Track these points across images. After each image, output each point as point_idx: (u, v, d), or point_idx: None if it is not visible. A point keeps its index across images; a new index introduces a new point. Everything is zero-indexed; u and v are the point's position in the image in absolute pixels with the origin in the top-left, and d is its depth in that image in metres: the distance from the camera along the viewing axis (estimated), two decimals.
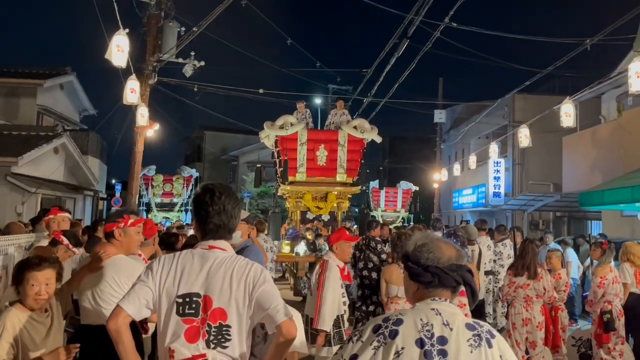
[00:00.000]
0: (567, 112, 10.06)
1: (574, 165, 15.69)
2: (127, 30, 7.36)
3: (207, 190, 2.09)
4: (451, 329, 1.57)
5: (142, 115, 11.20)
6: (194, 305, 1.95)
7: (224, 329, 1.95)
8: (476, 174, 22.72)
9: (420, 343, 1.55)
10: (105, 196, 21.71)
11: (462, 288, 1.81)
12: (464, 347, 1.55)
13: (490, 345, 1.57)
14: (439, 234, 7.90)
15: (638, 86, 7.96)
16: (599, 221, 15.61)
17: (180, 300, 1.95)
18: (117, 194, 21.85)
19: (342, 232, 4.45)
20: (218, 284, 1.97)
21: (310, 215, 12.13)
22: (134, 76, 9.56)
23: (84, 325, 3.09)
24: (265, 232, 9.64)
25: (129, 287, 2.91)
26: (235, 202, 2.11)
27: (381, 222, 13.69)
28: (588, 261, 8.23)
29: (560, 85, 20.93)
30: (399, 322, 1.59)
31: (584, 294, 9.18)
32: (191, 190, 21.06)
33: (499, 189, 21.68)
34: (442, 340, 1.56)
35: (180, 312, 1.94)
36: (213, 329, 1.94)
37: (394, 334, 1.57)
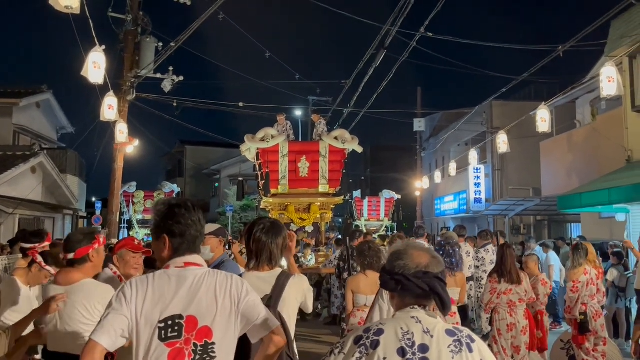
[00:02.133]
0: (543, 118, 10.26)
1: (552, 169, 15.94)
2: (103, 47, 7.31)
3: (178, 204, 2.06)
4: (432, 336, 1.59)
5: (121, 131, 11.11)
6: (176, 328, 1.90)
7: (210, 347, 1.93)
8: (457, 180, 22.94)
9: (402, 352, 1.56)
10: (85, 215, 21.39)
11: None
12: (445, 354, 1.56)
13: (471, 350, 1.59)
14: (421, 241, 7.95)
15: (610, 90, 8.16)
16: (579, 224, 15.86)
17: (162, 325, 1.90)
18: (98, 212, 21.53)
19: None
20: (202, 302, 1.94)
21: (293, 227, 12.09)
22: (111, 92, 9.49)
23: (51, 352, 2.97)
24: None
25: (101, 312, 2.87)
26: (200, 214, 2.11)
27: (365, 231, 13.72)
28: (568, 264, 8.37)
29: (536, 92, 21.35)
30: (379, 332, 1.60)
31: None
32: None
33: (479, 195, 21.91)
34: (424, 348, 1.57)
35: (163, 336, 1.89)
36: (199, 349, 1.91)
37: (375, 344, 1.58)
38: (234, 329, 1.98)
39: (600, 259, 9.10)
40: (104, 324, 1.86)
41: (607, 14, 8.26)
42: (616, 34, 10.73)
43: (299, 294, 2.70)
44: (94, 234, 3.15)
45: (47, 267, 3.98)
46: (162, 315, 1.90)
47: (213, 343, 1.93)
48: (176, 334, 1.89)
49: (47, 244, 4.64)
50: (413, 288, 1.65)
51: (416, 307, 1.66)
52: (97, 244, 3.08)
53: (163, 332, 1.89)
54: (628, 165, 10.75)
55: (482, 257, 8.20)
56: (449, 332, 1.61)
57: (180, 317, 1.91)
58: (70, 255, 3.01)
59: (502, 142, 12.46)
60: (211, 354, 1.93)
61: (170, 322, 1.90)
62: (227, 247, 6.41)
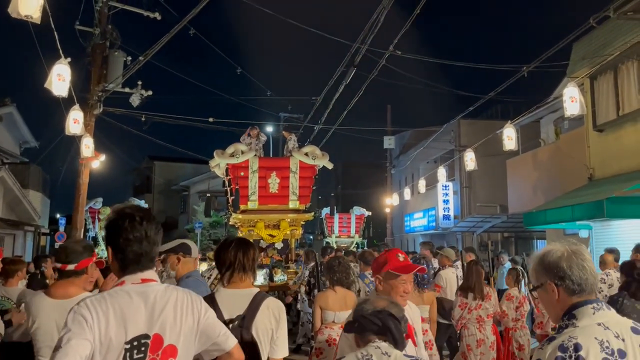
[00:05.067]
0: (509, 136, 10.50)
1: (518, 186, 16.26)
2: (68, 59, 7.16)
3: (126, 215, 1.91)
4: (389, 356, 1.75)
5: (87, 146, 10.86)
6: (142, 349, 1.79)
7: None
8: (426, 197, 23.20)
9: None
10: (48, 231, 20.79)
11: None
12: None
13: None
14: None
15: (573, 110, 8.42)
16: (544, 240, 16.17)
17: (128, 346, 1.77)
18: (61, 229, 20.96)
19: (390, 255, 2.71)
20: (167, 319, 1.85)
21: (263, 244, 11.97)
22: (77, 106, 9.28)
23: None
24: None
25: None
26: (157, 228, 1.96)
27: (335, 247, 13.67)
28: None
29: (502, 111, 21.88)
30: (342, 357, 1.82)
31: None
32: None
33: (448, 211, 22.19)
34: None
35: (128, 359, 1.77)
36: None
37: None
38: (193, 348, 1.92)
39: None
40: (67, 350, 1.67)
41: (569, 36, 8.55)
42: (577, 55, 11.11)
43: (271, 319, 2.57)
44: (92, 247, 3.13)
45: None
46: (128, 335, 1.77)
47: None
48: (142, 355, 1.78)
49: None
50: (368, 324, 1.83)
51: (377, 341, 1.81)
52: (94, 258, 3.07)
53: (129, 354, 1.77)
54: (590, 182, 11.05)
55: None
56: (407, 356, 1.80)
57: (146, 336, 1.80)
58: (71, 267, 2.93)
59: (470, 159, 12.69)
60: None
61: (136, 343, 1.78)
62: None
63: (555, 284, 1.72)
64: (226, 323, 2.50)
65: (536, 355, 1.66)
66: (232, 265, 2.65)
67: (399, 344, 1.74)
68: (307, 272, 9.18)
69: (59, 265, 3.01)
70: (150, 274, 1.92)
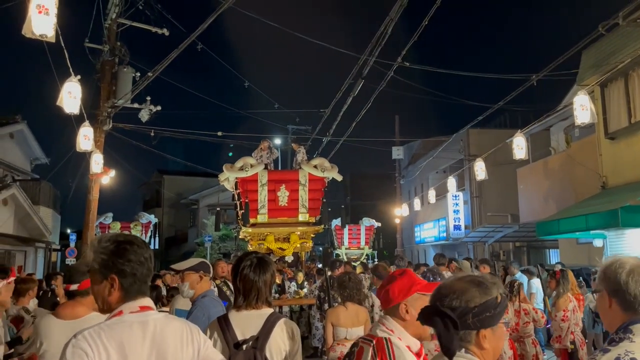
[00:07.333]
0: (519, 145, 10.43)
1: (529, 195, 16.11)
2: (78, 76, 7.24)
3: (126, 242, 1.85)
4: None
5: (97, 162, 10.94)
6: None
7: None
8: (436, 208, 23.06)
9: None
10: (59, 247, 20.87)
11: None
12: None
13: None
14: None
15: (583, 118, 8.35)
16: (557, 249, 15.97)
17: None
18: (72, 244, 21.02)
19: (412, 275, 2.27)
20: (168, 350, 1.78)
21: (273, 257, 11.94)
22: (87, 123, 9.37)
23: None
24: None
25: None
26: (150, 252, 1.90)
27: (345, 260, 13.60)
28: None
29: (511, 119, 21.77)
30: None
31: (547, 325, 9.24)
32: (150, 236, 20.48)
33: (459, 222, 22.00)
34: None
35: None
36: None
37: None
38: None
39: (584, 283, 9.14)
40: None
41: (578, 44, 8.51)
42: (587, 63, 11.03)
43: (285, 340, 2.54)
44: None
45: None
46: None
47: None
48: None
49: (12, 279, 4.50)
50: (426, 320, 1.50)
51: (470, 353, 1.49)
52: None
53: None
54: (603, 191, 10.91)
55: None
56: None
57: None
58: (74, 287, 2.91)
59: (480, 169, 12.61)
60: None
61: None
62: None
63: (609, 294, 1.74)
64: (239, 344, 2.47)
65: None
66: (250, 291, 2.61)
67: (446, 353, 1.43)
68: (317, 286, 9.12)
69: (65, 285, 3.00)
70: (148, 301, 1.84)
